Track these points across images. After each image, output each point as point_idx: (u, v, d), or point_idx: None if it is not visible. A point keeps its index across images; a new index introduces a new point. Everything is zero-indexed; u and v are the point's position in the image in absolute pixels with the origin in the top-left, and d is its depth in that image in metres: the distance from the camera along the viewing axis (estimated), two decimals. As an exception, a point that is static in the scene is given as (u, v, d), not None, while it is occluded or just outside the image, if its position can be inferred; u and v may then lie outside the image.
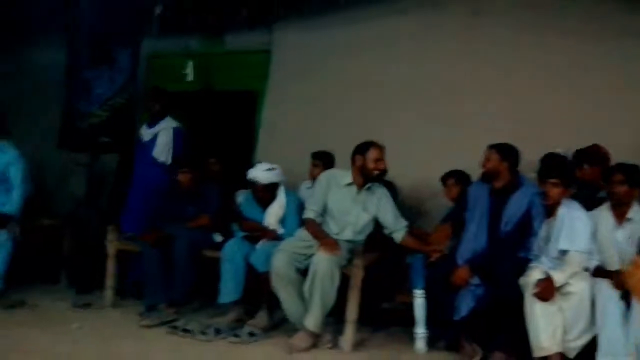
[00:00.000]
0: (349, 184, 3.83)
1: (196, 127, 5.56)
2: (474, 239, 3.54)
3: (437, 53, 4.71)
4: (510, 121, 4.29)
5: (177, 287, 4.01)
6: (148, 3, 5.29)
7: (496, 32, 4.53)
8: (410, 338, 3.58)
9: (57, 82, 5.49)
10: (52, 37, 5.75)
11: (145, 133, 4.84)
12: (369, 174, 3.78)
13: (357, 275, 3.61)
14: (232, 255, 3.89)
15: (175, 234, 4.08)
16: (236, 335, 3.65)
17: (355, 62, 4.98)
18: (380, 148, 3.79)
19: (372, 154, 3.76)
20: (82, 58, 5.85)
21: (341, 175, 3.87)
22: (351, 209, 3.80)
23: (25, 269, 4.31)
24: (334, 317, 3.65)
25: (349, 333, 3.59)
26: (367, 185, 3.83)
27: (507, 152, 3.54)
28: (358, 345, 3.62)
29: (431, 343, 3.57)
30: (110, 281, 4.27)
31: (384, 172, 3.87)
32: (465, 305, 3.42)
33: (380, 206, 3.83)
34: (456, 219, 3.75)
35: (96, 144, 5.21)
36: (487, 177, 3.58)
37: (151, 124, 4.84)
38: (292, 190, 4.27)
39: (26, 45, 6.15)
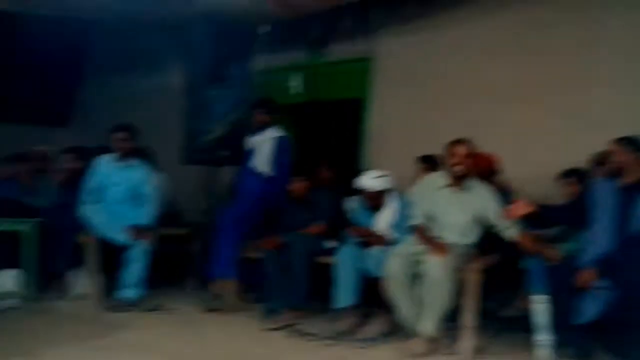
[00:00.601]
0: (445, 186, 3.80)
1: (305, 136, 5.73)
2: (600, 239, 3.34)
3: (544, 48, 4.48)
4: (628, 113, 3.98)
5: (295, 292, 4.16)
6: (256, 21, 5.56)
7: (608, 24, 4.23)
8: (533, 345, 3.44)
9: (177, 103, 5.95)
10: (170, 61, 6.24)
11: (251, 142, 4.89)
12: (453, 173, 3.74)
13: (473, 279, 3.54)
14: (345, 261, 3.98)
15: (291, 241, 4.25)
16: (354, 340, 3.73)
17: (458, 63, 4.87)
18: (457, 144, 3.73)
19: (449, 151, 3.75)
20: (199, 79, 6.27)
21: (438, 178, 3.86)
22: (450, 211, 3.76)
23: (160, 276, 4.70)
24: (452, 322, 3.61)
25: (467, 339, 3.54)
26: (463, 185, 3.76)
27: (635, 145, 3.31)
28: (477, 351, 3.55)
29: (558, 350, 3.40)
30: (233, 286, 4.52)
31: (489, 171, 3.73)
32: (591, 309, 3.24)
33: (481, 205, 3.74)
34: (577, 219, 3.55)
35: (216, 158, 5.57)
36: (615, 172, 3.36)
37: (257, 134, 4.85)
38: (401, 195, 4.28)
39: (148, 70, 6.70)
